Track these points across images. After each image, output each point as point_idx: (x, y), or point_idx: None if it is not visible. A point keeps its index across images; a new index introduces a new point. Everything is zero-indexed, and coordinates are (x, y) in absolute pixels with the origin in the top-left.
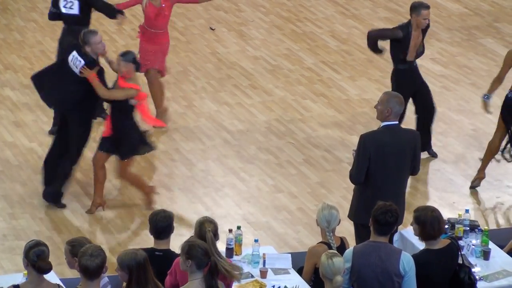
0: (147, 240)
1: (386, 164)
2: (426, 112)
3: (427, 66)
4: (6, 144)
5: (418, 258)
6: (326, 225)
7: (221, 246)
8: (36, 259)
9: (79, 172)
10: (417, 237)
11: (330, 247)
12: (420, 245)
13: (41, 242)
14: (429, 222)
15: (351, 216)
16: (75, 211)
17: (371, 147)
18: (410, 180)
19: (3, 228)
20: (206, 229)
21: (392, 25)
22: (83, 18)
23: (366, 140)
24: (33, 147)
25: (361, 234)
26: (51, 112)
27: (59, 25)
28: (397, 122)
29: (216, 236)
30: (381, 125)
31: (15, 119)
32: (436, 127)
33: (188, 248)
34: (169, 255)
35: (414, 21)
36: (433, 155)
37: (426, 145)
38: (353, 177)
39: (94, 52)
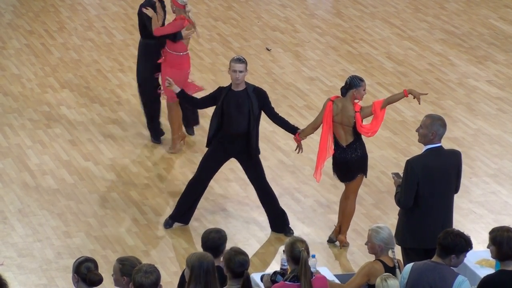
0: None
1: (433, 187)
2: None
3: (483, 88)
4: (61, 162)
5: (493, 278)
6: (393, 243)
7: (276, 267)
8: (86, 271)
9: (134, 191)
10: (472, 261)
11: (385, 265)
12: (474, 268)
13: (89, 257)
14: (505, 242)
15: (398, 241)
16: (129, 230)
17: (419, 171)
18: (465, 202)
19: (58, 246)
20: (300, 249)
21: (448, 48)
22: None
23: (413, 165)
24: (89, 165)
25: (411, 258)
26: (106, 131)
27: (115, 44)
28: (440, 144)
29: (308, 254)
30: (425, 149)
31: (70, 137)
32: (492, 150)
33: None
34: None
35: None
36: None
37: None
38: (401, 202)
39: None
